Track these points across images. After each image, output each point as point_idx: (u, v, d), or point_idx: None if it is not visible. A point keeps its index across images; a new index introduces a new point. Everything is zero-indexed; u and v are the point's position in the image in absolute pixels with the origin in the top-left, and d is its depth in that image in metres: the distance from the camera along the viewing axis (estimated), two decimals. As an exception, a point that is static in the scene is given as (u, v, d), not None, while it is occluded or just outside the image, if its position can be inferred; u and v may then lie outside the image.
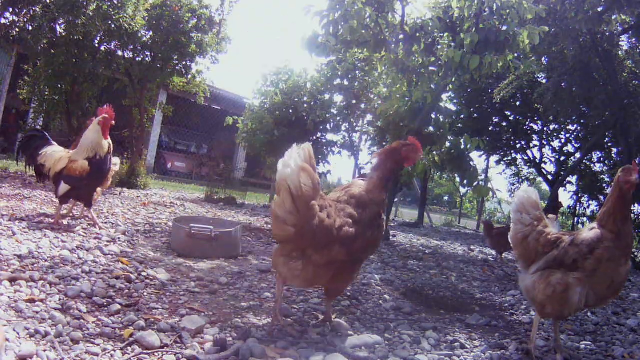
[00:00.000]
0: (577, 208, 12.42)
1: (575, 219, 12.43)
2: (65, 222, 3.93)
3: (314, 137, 9.30)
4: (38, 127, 4.08)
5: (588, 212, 11.99)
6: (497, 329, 2.71)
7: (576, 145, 11.48)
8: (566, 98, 7.44)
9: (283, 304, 2.58)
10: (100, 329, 1.90)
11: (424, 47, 5.10)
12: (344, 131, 9.53)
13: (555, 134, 11.87)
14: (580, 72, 7.01)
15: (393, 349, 2.15)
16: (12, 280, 2.25)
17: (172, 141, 16.91)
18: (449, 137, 5.97)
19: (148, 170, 10.15)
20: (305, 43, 5.19)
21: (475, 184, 5.47)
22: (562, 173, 11.38)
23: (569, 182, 11.86)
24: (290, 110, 8.89)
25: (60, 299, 2.15)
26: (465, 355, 2.22)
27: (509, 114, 11.53)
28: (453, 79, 5.25)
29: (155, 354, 1.78)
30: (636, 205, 8.69)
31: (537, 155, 12.19)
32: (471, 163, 5.57)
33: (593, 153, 10.89)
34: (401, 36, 5.23)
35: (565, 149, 11.75)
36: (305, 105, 8.76)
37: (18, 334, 1.72)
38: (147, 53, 8.25)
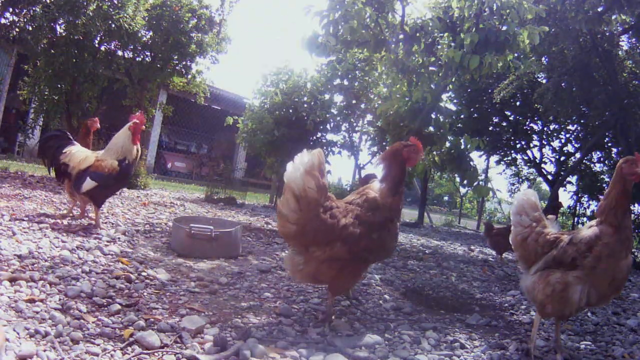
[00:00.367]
0: (577, 208, 12.42)
1: (575, 219, 12.42)
2: (65, 222, 3.93)
3: (314, 137, 9.31)
4: (59, 128, 4.04)
5: (588, 212, 11.98)
6: (497, 329, 2.71)
7: (576, 145, 11.48)
8: (566, 98, 7.43)
9: (283, 304, 2.58)
10: (100, 329, 1.90)
11: (424, 47, 5.10)
12: (344, 131, 9.54)
13: (555, 134, 11.87)
14: (580, 72, 7.01)
15: (393, 349, 2.15)
16: (12, 280, 2.25)
17: (172, 141, 16.92)
18: (449, 137, 5.97)
19: (148, 170, 10.16)
20: (305, 43, 5.19)
21: (475, 184, 5.47)
22: (562, 173, 11.38)
23: (569, 182, 11.86)
24: (290, 110, 8.89)
25: (60, 299, 2.15)
26: (465, 355, 2.22)
27: (509, 114, 11.53)
28: (453, 79, 5.26)
29: (155, 354, 1.78)
30: (636, 205, 8.69)
31: (537, 155, 12.20)
32: (471, 163, 5.58)
33: (593, 153, 10.88)
34: (401, 36, 5.23)
35: (565, 149, 11.75)
36: (305, 105, 8.77)
37: (18, 334, 1.72)
38: (147, 53, 8.25)
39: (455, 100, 11.00)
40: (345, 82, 8.59)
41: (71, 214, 4.30)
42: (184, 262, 3.30)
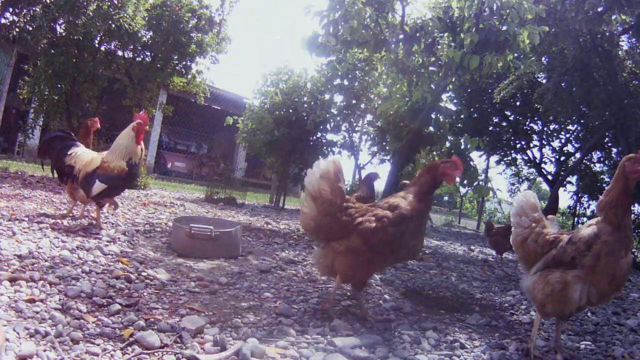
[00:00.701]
0: (577, 208, 12.42)
1: (575, 219, 12.42)
2: (65, 222, 3.93)
3: (314, 137, 9.32)
4: (61, 128, 3.99)
5: (588, 212, 11.99)
6: (497, 329, 2.71)
7: (576, 145, 11.48)
8: (566, 98, 7.43)
9: (283, 304, 2.59)
10: (100, 329, 1.90)
11: (424, 47, 5.10)
12: (344, 131, 9.54)
13: (555, 134, 11.87)
14: (580, 72, 7.01)
15: (393, 349, 2.15)
16: (12, 280, 2.25)
17: (172, 141, 16.92)
18: (449, 137, 5.97)
19: (148, 170, 10.17)
20: (305, 43, 5.19)
21: (475, 184, 5.46)
22: (562, 173, 11.38)
23: (569, 182, 11.86)
24: (290, 110, 8.90)
25: (60, 299, 2.15)
26: (465, 355, 2.22)
27: (509, 114, 11.53)
28: (453, 79, 5.25)
29: (155, 354, 1.78)
30: (636, 205, 8.69)
31: (537, 155, 12.20)
32: (471, 163, 5.57)
33: (593, 153, 10.88)
34: (401, 36, 5.23)
35: (565, 149, 11.75)
36: (305, 105, 8.77)
37: (18, 334, 1.72)
38: (147, 53, 8.25)
39: (455, 100, 11.00)
40: (345, 82, 8.60)
41: (71, 214, 4.30)
42: (184, 262, 3.30)
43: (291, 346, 2.02)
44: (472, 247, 7.04)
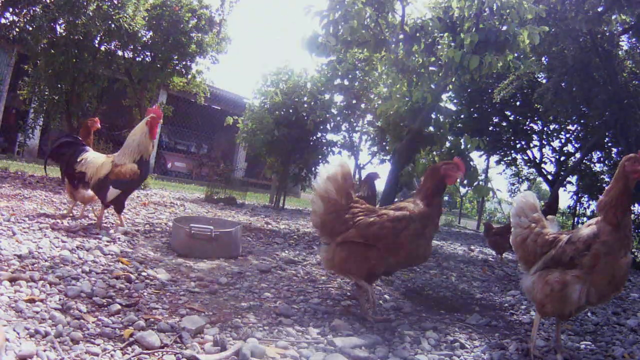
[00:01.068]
0: (577, 208, 12.41)
1: (575, 219, 12.42)
2: (65, 222, 3.93)
3: (314, 137, 9.32)
4: (73, 135, 3.96)
5: (588, 212, 11.98)
6: (497, 329, 2.71)
7: (576, 145, 11.47)
8: (566, 98, 7.43)
9: (283, 304, 2.59)
10: (100, 329, 1.90)
11: (424, 47, 5.09)
12: (344, 131, 9.54)
13: (555, 134, 11.86)
14: (580, 72, 7.00)
15: (393, 349, 2.15)
16: (12, 280, 2.25)
17: (172, 141, 16.90)
18: (449, 137, 5.97)
19: (148, 170, 10.14)
20: (305, 43, 5.19)
21: (475, 184, 5.46)
22: (562, 173, 11.37)
23: (569, 182, 11.85)
24: (291, 110, 8.90)
25: (60, 299, 2.15)
26: (465, 355, 2.22)
27: (509, 114, 11.52)
28: (453, 79, 5.24)
29: (155, 354, 1.78)
30: (636, 205, 8.69)
31: (537, 155, 12.18)
32: (471, 163, 5.57)
33: (593, 153, 10.87)
34: (401, 36, 5.22)
35: (565, 149, 11.74)
36: (305, 105, 8.77)
37: (18, 334, 1.72)
38: (147, 53, 8.24)
39: (455, 100, 10.99)
40: (345, 82, 8.60)
41: (71, 214, 4.30)
42: (184, 262, 3.30)
43: (291, 346, 2.02)
44: (472, 247, 7.03)
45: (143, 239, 3.86)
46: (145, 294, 2.45)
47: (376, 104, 7.70)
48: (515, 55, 4.98)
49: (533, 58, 6.46)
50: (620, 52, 7.90)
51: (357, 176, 10.00)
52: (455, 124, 10.37)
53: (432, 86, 5.28)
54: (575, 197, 12.23)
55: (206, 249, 3.57)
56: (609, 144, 10.23)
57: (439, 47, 4.97)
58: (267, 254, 4.03)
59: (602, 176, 11.32)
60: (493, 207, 19.19)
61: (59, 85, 7.35)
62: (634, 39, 7.84)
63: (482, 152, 11.83)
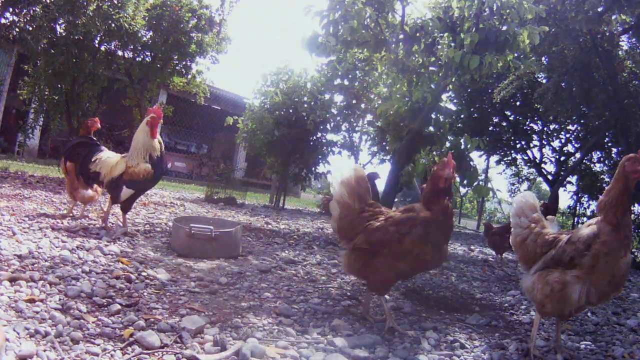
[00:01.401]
0: (577, 208, 12.41)
1: (575, 219, 12.41)
2: (65, 222, 3.93)
3: (314, 137, 9.32)
4: (92, 137, 3.98)
5: (588, 212, 11.98)
6: (497, 329, 2.71)
7: (576, 145, 11.47)
8: (566, 98, 7.43)
9: (283, 304, 2.59)
10: (100, 329, 1.90)
11: (424, 47, 5.09)
12: (344, 131, 9.55)
13: (555, 134, 11.86)
14: (580, 72, 7.01)
15: (393, 349, 2.15)
16: (12, 280, 2.25)
17: (172, 141, 16.89)
18: (449, 137, 5.98)
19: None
20: (305, 43, 5.19)
21: (475, 184, 5.47)
22: (562, 173, 11.37)
23: (569, 182, 11.86)
24: (291, 110, 8.90)
25: (60, 299, 2.15)
26: (465, 355, 2.22)
27: (509, 114, 11.52)
28: (453, 79, 5.25)
29: (155, 354, 1.78)
30: (636, 205, 8.69)
31: (537, 155, 12.19)
32: (471, 163, 5.57)
33: (593, 153, 10.87)
34: (401, 36, 5.23)
35: (565, 149, 11.74)
36: (305, 105, 8.78)
37: (18, 334, 1.72)
38: (147, 53, 8.24)
39: (455, 100, 11.00)
40: (345, 82, 8.60)
41: (71, 214, 4.30)
42: (184, 262, 3.30)
43: (291, 346, 2.02)
44: (472, 247, 7.03)
45: (143, 239, 3.86)
46: (145, 294, 2.45)
47: (376, 104, 7.71)
48: (515, 55, 4.98)
49: (533, 58, 6.46)
50: (620, 52, 7.91)
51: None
52: (455, 124, 10.38)
53: (432, 86, 5.28)
54: (575, 197, 12.23)
55: (206, 249, 3.56)
56: (609, 144, 10.24)
57: (439, 47, 4.97)
58: (267, 254, 4.03)
59: (602, 176, 11.32)
60: (493, 207, 19.20)
61: (59, 85, 7.35)
62: (634, 39, 7.84)
63: (482, 152, 11.83)
